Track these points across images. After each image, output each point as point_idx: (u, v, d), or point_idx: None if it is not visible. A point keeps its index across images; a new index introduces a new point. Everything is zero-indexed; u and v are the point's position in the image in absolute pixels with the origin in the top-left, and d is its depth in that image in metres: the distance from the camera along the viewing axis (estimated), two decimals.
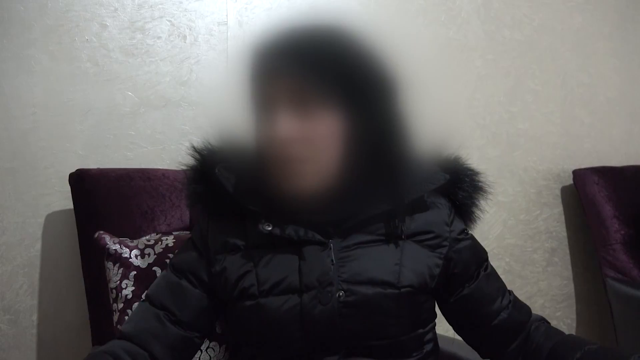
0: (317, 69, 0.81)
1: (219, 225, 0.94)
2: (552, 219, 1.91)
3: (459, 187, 0.96)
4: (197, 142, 0.98)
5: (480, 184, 0.98)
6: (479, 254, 0.98)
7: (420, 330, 0.92)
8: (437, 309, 0.99)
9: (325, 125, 0.83)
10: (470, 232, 0.99)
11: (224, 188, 0.90)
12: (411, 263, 0.89)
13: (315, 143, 0.83)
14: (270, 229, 0.87)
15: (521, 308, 0.98)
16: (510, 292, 0.99)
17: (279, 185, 0.85)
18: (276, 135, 0.82)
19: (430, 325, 0.95)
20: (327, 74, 0.82)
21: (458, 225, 0.96)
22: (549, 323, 0.99)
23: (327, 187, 0.85)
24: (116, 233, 1.14)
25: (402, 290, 0.87)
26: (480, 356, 1.00)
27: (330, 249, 0.88)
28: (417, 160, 0.91)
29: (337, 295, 0.85)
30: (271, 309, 0.87)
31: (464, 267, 0.95)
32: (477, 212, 0.98)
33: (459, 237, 0.95)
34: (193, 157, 0.96)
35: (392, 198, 0.89)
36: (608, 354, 0.87)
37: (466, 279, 0.95)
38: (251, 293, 0.88)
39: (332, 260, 0.87)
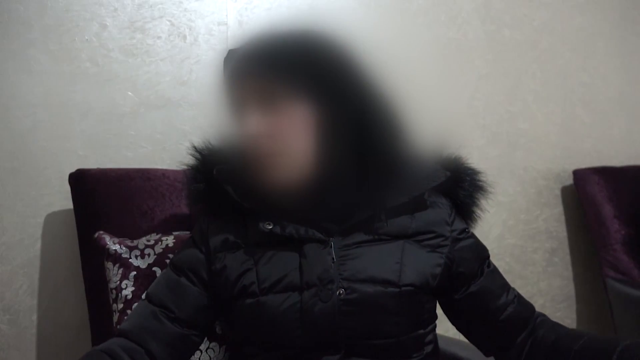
0: (278, 68, 0.85)
1: (220, 223, 0.95)
2: (552, 219, 1.91)
3: (460, 186, 0.97)
4: (198, 141, 0.99)
5: (480, 183, 0.99)
6: (481, 252, 0.99)
7: (421, 331, 0.92)
8: (437, 311, 0.99)
9: (290, 120, 0.86)
10: (471, 230, 0.99)
11: (222, 187, 0.91)
12: (412, 262, 0.90)
13: (283, 137, 0.86)
14: (270, 227, 0.88)
15: (525, 303, 0.99)
16: (513, 289, 1.00)
17: (261, 180, 0.88)
18: (245, 131, 0.87)
19: (431, 326, 0.95)
20: (290, 73, 0.85)
21: (459, 224, 0.96)
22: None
23: (306, 181, 0.87)
24: (116, 233, 1.14)
25: (403, 288, 0.88)
26: (485, 354, 1.01)
27: (331, 247, 0.88)
28: (414, 159, 0.92)
29: (337, 292, 0.85)
30: (271, 306, 0.87)
31: (467, 265, 0.95)
32: (478, 212, 0.99)
33: (460, 236, 0.95)
34: (193, 156, 0.98)
35: (379, 198, 0.90)
36: (605, 339, 0.89)
37: (471, 277, 0.96)
38: (251, 291, 0.88)
39: (332, 258, 0.87)
